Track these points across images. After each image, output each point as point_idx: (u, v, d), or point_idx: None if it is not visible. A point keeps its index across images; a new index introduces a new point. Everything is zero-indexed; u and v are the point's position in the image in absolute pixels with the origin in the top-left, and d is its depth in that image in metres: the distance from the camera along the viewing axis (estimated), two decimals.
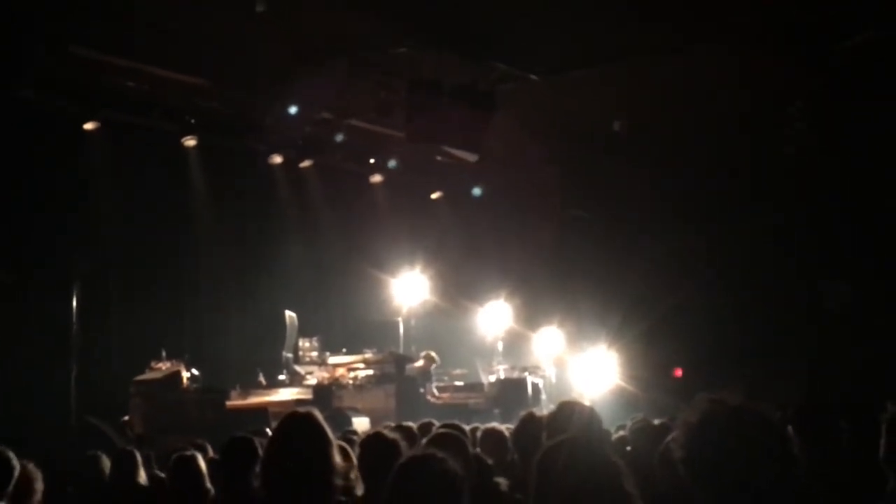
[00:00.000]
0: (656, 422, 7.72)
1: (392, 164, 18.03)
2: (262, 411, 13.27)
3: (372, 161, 18.25)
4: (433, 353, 16.17)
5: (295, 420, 4.27)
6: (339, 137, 16.86)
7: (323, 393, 14.57)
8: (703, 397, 3.01)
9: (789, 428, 3.17)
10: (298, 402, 13.70)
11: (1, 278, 13.13)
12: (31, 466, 6.02)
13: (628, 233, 19.61)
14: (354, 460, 4.65)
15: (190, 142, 15.64)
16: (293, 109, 15.08)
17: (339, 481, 4.13)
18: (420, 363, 15.88)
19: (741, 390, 3.11)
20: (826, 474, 4.93)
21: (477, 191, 18.53)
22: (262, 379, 15.33)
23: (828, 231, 16.82)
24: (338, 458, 4.16)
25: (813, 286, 17.57)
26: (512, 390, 16.06)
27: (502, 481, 5.52)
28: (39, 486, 6.03)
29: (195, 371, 14.17)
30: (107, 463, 7.43)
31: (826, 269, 17.38)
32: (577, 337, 18.58)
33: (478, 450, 6.20)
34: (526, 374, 16.65)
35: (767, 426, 2.93)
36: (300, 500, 4.08)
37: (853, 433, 5.51)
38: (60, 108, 14.12)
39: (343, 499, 4.29)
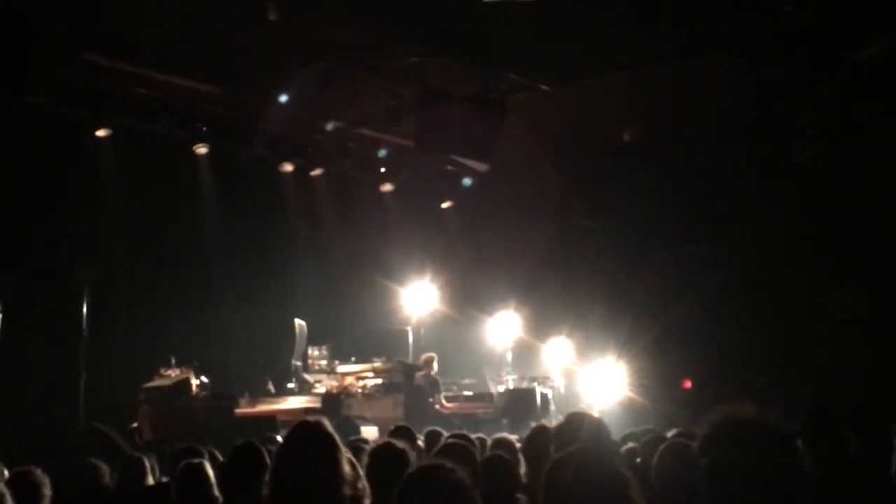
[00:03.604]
0: (668, 434, 7.71)
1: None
2: (270, 419, 13.25)
3: (382, 170, 18.24)
4: (432, 354, 16.18)
5: (305, 429, 4.27)
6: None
7: (331, 401, 14.57)
8: (719, 410, 3.09)
9: (799, 441, 3.23)
10: (307, 410, 13.72)
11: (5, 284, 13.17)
12: (38, 472, 6.04)
13: (636, 242, 19.59)
14: (360, 469, 4.65)
15: (200, 149, 15.65)
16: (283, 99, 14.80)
17: (348, 491, 4.13)
18: (422, 372, 15.88)
19: (751, 401, 3.18)
20: (834, 486, 4.93)
21: (467, 181, 18.42)
22: (270, 387, 15.35)
23: (836, 240, 16.78)
24: (347, 468, 4.16)
25: (821, 295, 17.52)
26: (521, 401, 16.04)
27: (523, 498, 5.51)
28: (47, 491, 6.03)
29: (204, 378, 14.17)
30: (105, 471, 7.39)
31: (834, 277, 17.35)
32: (586, 347, 18.55)
33: (502, 454, 6.17)
34: (535, 384, 16.64)
35: (779, 440, 2.99)
36: None
37: (861, 444, 5.51)
38: (71, 114, 14.13)
39: None
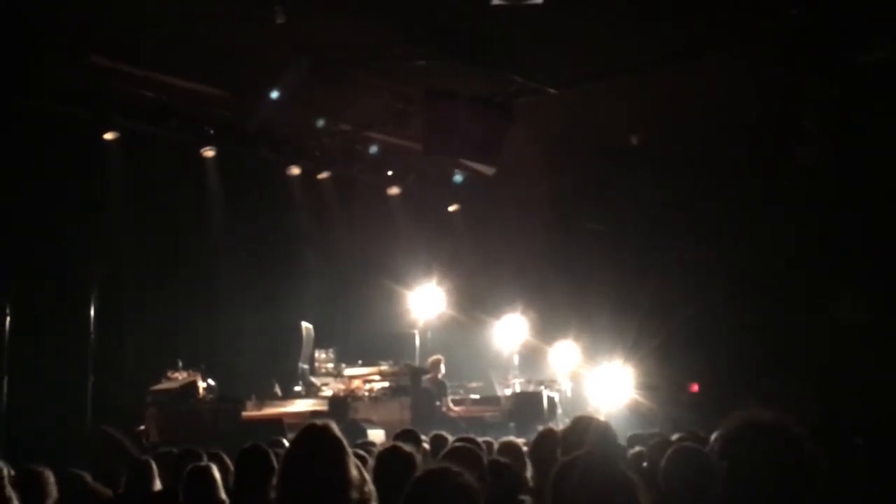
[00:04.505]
0: (673, 437, 7.72)
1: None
2: (277, 422, 13.25)
3: (389, 173, 18.24)
4: (439, 357, 16.18)
5: (312, 433, 4.28)
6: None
7: (338, 404, 14.55)
8: (737, 414, 3.16)
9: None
10: (314, 413, 13.72)
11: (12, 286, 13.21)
12: (44, 470, 6.07)
13: (641, 245, 19.60)
14: (366, 473, 4.65)
15: (207, 152, 15.67)
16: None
17: (355, 494, 4.14)
18: (429, 375, 15.88)
19: (757, 403, 3.23)
20: (845, 488, 4.93)
21: (458, 177, 18.38)
22: (277, 390, 15.33)
23: (841, 243, 16.79)
24: (354, 472, 4.16)
25: (824, 297, 17.52)
26: (528, 404, 16.05)
27: (527, 499, 5.51)
28: (53, 489, 6.07)
29: (211, 381, 14.19)
30: (89, 478, 7.38)
31: (837, 279, 17.36)
32: (593, 350, 18.55)
33: (500, 458, 6.18)
34: (542, 387, 16.63)
35: (797, 442, 3.03)
36: None
37: (868, 446, 5.51)
38: (78, 117, 14.16)
39: None
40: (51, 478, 6.28)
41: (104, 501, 7.36)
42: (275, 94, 14.06)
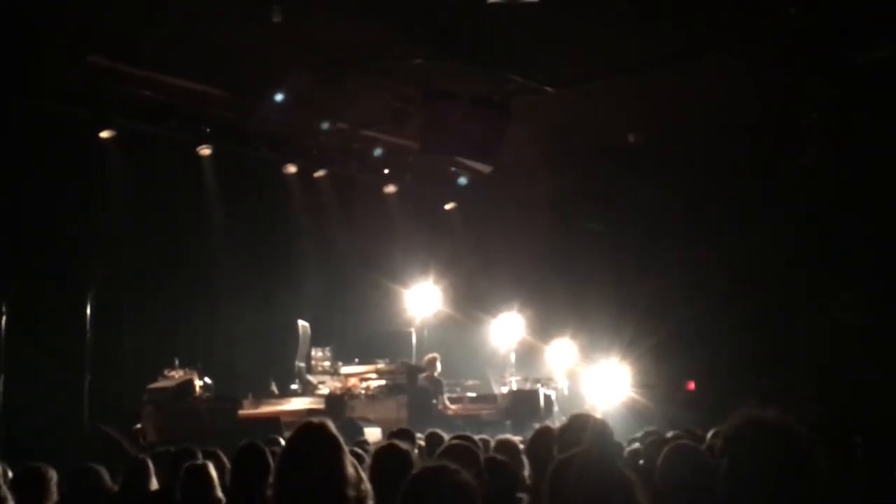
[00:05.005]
0: (668, 435, 7.72)
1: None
2: (274, 420, 13.25)
3: (386, 171, 18.23)
4: (435, 356, 16.18)
5: (309, 431, 4.27)
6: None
7: (335, 403, 14.56)
8: (740, 413, 3.17)
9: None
10: (311, 411, 13.70)
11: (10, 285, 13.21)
12: (45, 467, 6.06)
13: (641, 245, 19.60)
14: (362, 471, 4.65)
15: (205, 151, 15.66)
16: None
17: (351, 492, 4.13)
18: (425, 373, 15.88)
19: (757, 403, 3.22)
20: (843, 487, 4.94)
21: (463, 180, 18.38)
22: (274, 388, 15.34)
23: (841, 243, 16.79)
24: (351, 470, 4.16)
25: (825, 298, 17.52)
26: (524, 402, 16.04)
27: (524, 497, 5.51)
28: (54, 486, 6.06)
29: (208, 379, 14.17)
30: (105, 475, 7.36)
31: (837, 279, 17.35)
32: (590, 349, 18.54)
33: (498, 456, 6.18)
34: (538, 385, 16.62)
35: (800, 442, 3.04)
36: None
37: (866, 446, 5.52)
38: (78, 117, 14.15)
39: None
40: (53, 477, 6.26)
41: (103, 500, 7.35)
42: (278, 97, 14.10)
